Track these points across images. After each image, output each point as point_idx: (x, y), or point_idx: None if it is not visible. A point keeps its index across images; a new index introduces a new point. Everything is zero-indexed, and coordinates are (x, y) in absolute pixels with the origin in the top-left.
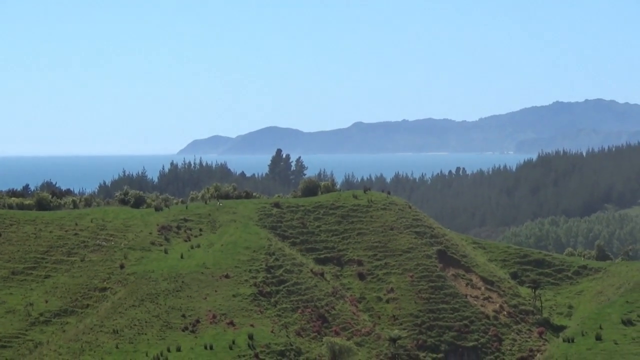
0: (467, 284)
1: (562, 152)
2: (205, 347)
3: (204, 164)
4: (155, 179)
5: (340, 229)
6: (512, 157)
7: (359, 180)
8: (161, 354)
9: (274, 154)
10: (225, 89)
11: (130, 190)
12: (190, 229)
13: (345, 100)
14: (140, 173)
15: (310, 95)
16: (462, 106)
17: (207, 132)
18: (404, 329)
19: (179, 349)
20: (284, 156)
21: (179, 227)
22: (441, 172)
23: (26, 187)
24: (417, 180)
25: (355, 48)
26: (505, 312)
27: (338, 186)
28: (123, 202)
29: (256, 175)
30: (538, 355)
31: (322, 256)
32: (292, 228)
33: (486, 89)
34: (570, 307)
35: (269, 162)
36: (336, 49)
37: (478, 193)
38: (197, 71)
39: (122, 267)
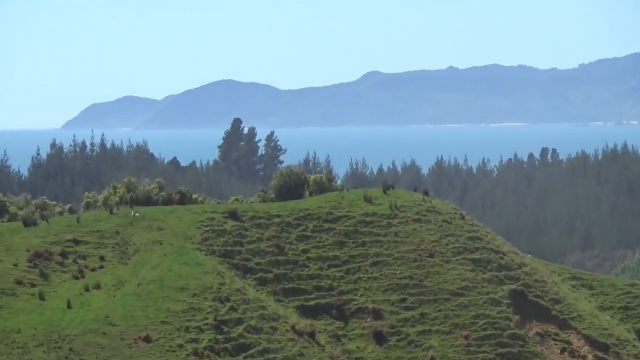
0: (563, 351)
1: None
2: None
3: (107, 144)
4: (25, 172)
5: (343, 256)
6: (636, 130)
7: (375, 170)
8: None
9: (228, 127)
10: (144, 22)
11: None
12: (85, 257)
13: (352, 38)
14: None
15: (291, 29)
16: (550, 46)
17: (115, 92)
18: None
19: None
20: (245, 131)
21: (64, 254)
22: (515, 156)
23: None
24: (474, 170)
25: None
26: None
27: (339, 181)
28: None
29: (198, 164)
30: None
31: (312, 302)
32: (260, 254)
33: (589, 19)
34: None
35: (220, 142)
36: None
37: (579, 192)
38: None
39: None
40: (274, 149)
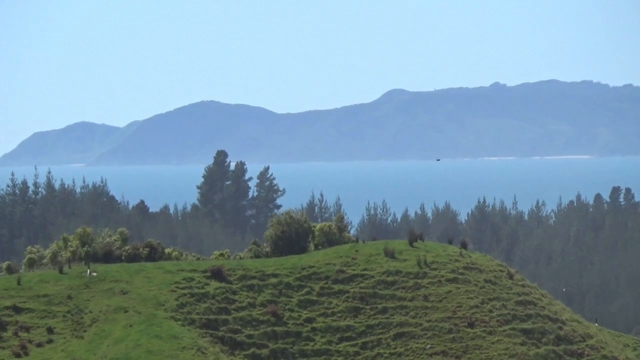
0: None
1: None
2: None
3: (56, 184)
4: None
5: (359, 326)
6: None
7: (398, 217)
8: None
9: (210, 161)
10: (101, 31)
11: None
12: (28, 329)
13: (369, 47)
14: None
15: (289, 35)
16: (622, 55)
17: (64, 118)
18: None
19: None
20: (232, 166)
21: (2, 326)
22: (579, 198)
23: None
24: (525, 216)
25: None
26: None
27: (352, 231)
28: None
29: (172, 209)
30: None
31: None
32: (253, 324)
33: None
34: None
35: (200, 181)
36: None
37: None
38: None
39: None
40: (269, 189)
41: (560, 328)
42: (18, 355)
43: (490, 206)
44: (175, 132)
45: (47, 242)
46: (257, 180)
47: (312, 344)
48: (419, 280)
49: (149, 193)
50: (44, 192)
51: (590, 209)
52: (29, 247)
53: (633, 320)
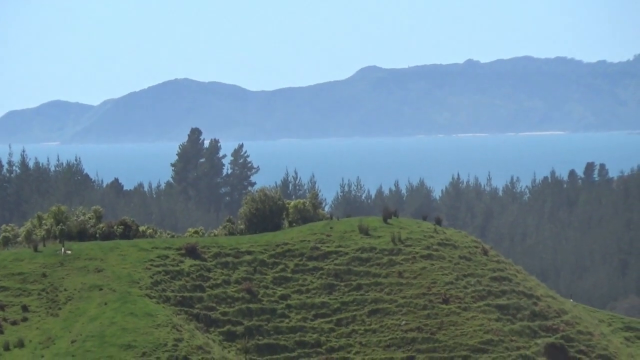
0: None
1: None
2: None
3: (30, 163)
4: None
5: (334, 303)
6: None
7: (372, 194)
8: None
9: (184, 139)
10: (73, 9)
11: None
12: (3, 307)
13: (343, 24)
14: None
15: (262, 12)
16: (596, 32)
17: (38, 96)
18: None
19: None
20: (206, 144)
21: None
22: (553, 174)
23: None
24: (499, 192)
25: None
26: None
27: (327, 208)
28: None
29: (146, 187)
30: None
31: None
32: (228, 302)
33: None
34: None
35: (174, 158)
36: None
37: (634, 220)
38: None
39: None
40: (243, 167)
41: (535, 304)
42: None
43: (465, 182)
44: (149, 110)
45: (21, 221)
46: (232, 158)
47: (287, 320)
48: (394, 257)
49: (123, 171)
50: (18, 170)
51: (565, 185)
52: (3, 226)
53: (607, 295)
